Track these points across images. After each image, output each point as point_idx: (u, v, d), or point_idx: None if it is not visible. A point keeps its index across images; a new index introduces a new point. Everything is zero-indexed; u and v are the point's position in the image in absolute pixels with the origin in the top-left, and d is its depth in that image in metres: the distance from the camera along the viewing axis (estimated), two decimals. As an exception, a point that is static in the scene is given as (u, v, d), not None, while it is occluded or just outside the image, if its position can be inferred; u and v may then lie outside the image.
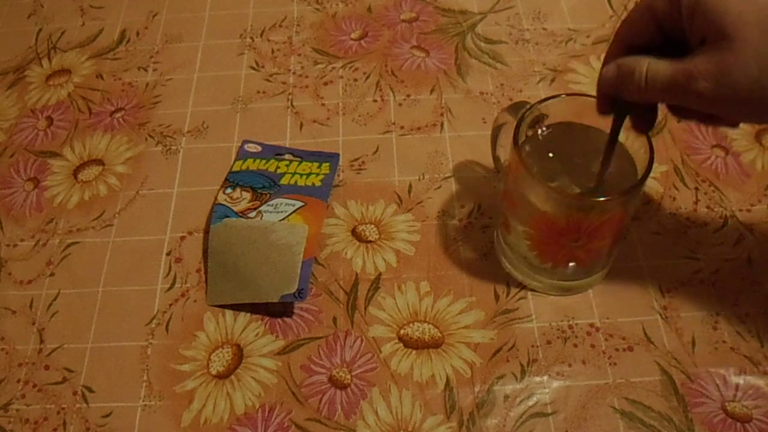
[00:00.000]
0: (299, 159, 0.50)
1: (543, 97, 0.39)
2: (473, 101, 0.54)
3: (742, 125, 0.51)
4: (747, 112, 0.31)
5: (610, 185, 0.38)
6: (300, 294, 0.42)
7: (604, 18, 0.59)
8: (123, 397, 0.41)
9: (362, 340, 0.43)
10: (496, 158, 0.49)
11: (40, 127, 0.55)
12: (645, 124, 0.37)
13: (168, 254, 0.47)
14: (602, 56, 0.37)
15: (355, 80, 0.56)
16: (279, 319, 0.44)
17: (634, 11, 0.34)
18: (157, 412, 0.41)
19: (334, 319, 0.44)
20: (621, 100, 0.35)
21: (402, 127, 0.53)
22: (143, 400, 0.41)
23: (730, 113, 0.32)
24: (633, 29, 0.34)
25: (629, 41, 0.35)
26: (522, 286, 0.44)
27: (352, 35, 0.59)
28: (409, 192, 0.49)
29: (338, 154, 0.51)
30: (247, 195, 0.47)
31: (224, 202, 0.47)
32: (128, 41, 0.60)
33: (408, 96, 0.55)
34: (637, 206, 0.47)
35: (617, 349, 0.42)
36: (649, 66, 0.33)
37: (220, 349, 0.43)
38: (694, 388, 0.40)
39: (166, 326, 0.44)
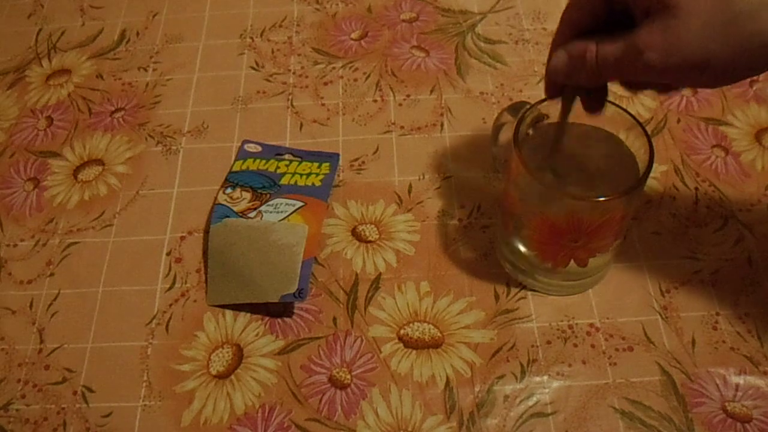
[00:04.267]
0: (299, 159, 0.50)
1: (543, 97, 0.39)
2: (473, 101, 0.54)
3: (739, 124, 0.51)
4: (696, 77, 0.31)
5: (610, 185, 0.38)
6: (300, 294, 0.42)
7: (604, 18, 0.59)
8: (123, 397, 0.41)
9: (362, 340, 0.43)
10: (495, 158, 0.49)
11: (40, 127, 0.55)
12: (596, 104, 0.37)
13: (168, 254, 0.47)
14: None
15: (355, 80, 0.56)
16: (279, 319, 0.44)
17: None
18: (157, 412, 0.41)
19: (334, 319, 0.44)
20: (570, 87, 0.36)
21: (402, 127, 0.53)
22: (143, 400, 0.41)
23: (680, 80, 0.32)
24: (579, 10, 0.35)
25: (576, 23, 0.35)
26: (522, 286, 0.44)
27: (352, 35, 0.59)
28: (409, 192, 0.49)
29: (338, 154, 0.51)
30: (247, 195, 0.47)
31: (224, 202, 0.47)
32: (128, 41, 0.60)
33: (408, 96, 0.55)
34: (637, 206, 0.47)
35: (617, 349, 0.42)
36: (598, 48, 0.33)
37: (220, 349, 0.43)
38: (694, 388, 0.40)
39: (166, 326, 0.44)
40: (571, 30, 0.35)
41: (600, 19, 0.34)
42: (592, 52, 0.33)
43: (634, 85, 0.36)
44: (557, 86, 0.37)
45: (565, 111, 0.37)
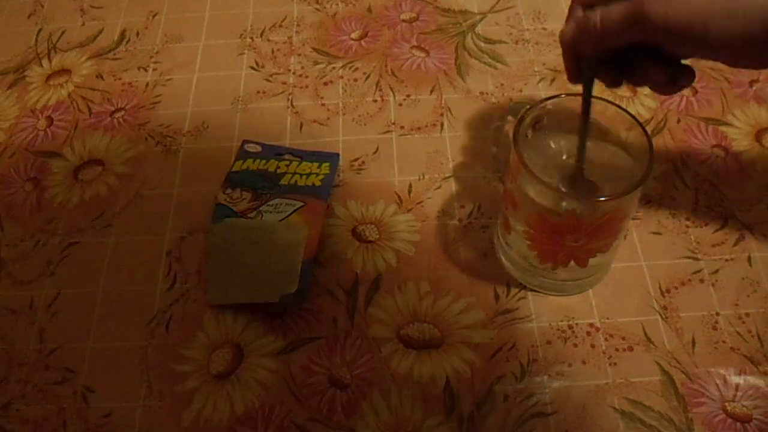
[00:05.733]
0: (299, 159, 0.50)
1: (543, 97, 0.39)
2: (473, 101, 0.54)
3: (739, 124, 0.51)
4: (700, 43, 0.31)
5: (610, 185, 0.38)
6: (300, 294, 0.42)
7: (604, 18, 0.59)
8: (123, 397, 0.41)
9: (362, 340, 0.43)
10: (495, 158, 0.49)
11: (40, 127, 0.55)
12: (614, 79, 0.38)
13: (168, 254, 0.47)
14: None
15: (355, 80, 0.56)
16: (279, 319, 0.44)
17: None
18: (157, 412, 0.41)
19: (334, 319, 0.43)
20: (585, 63, 0.36)
21: (402, 127, 0.53)
22: (143, 400, 0.41)
23: (686, 42, 0.32)
24: None
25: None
26: (522, 286, 0.44)
27: (352, 35, 0.59)
28: (409, 192, 0.49)
29: (338, 154, 0.51)
30: (247, 195, 0.47)
31: (224, 202, 0.47)
32: (128, 41, 0.60)
33: (408, 96, 0.55)
34: (637, 206, 0.47)
35: (617, 349, 0.42)
36: (601, 10, 0.34)
37: (220, 349, 0.43)
38: (694, 388, 0.40)
39: (166, 326, 0.44)
40: (580, 4, 0.36)
41: None
42: (596, 14, 0.34)
43: (637, 79, 0.36)
44: (576, 69, 0.37)
45: (587, 96, 0.37)
